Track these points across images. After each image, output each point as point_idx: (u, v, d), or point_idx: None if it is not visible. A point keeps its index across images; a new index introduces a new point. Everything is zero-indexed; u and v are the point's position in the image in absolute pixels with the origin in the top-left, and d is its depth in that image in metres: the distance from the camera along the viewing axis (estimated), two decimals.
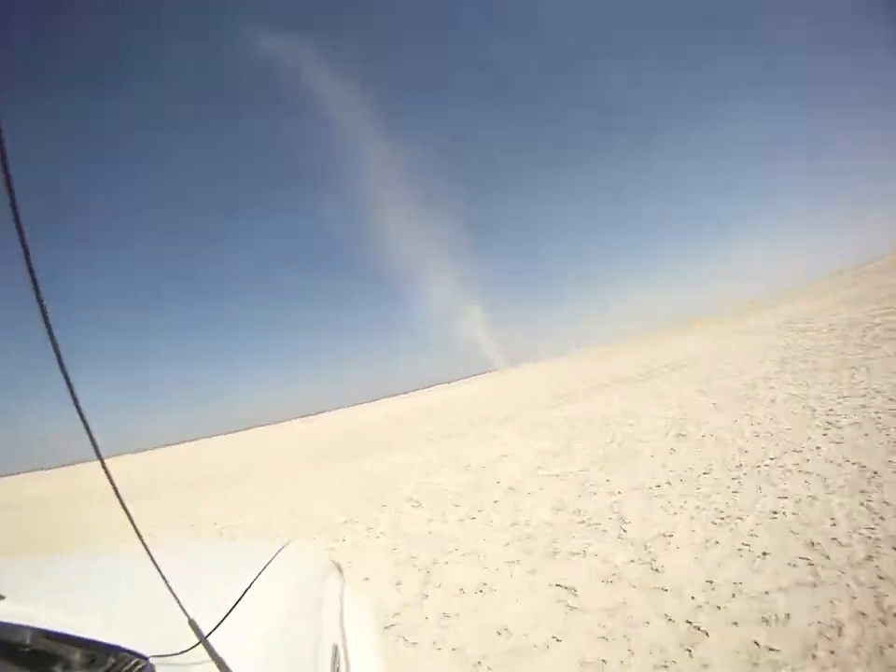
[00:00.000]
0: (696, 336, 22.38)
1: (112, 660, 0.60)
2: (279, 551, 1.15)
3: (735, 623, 2.01)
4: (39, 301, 0.48)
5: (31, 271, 0.47)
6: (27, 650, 0.55)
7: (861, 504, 2.71)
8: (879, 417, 4.05)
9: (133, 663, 0.61)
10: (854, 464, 3.28)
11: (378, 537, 4.17)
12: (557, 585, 2.66)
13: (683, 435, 5.15)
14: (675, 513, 3.24)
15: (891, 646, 1.70)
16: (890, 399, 4.45)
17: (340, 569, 1.41)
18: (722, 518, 3.00)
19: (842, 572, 2.16)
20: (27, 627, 0.57)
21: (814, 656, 1.74)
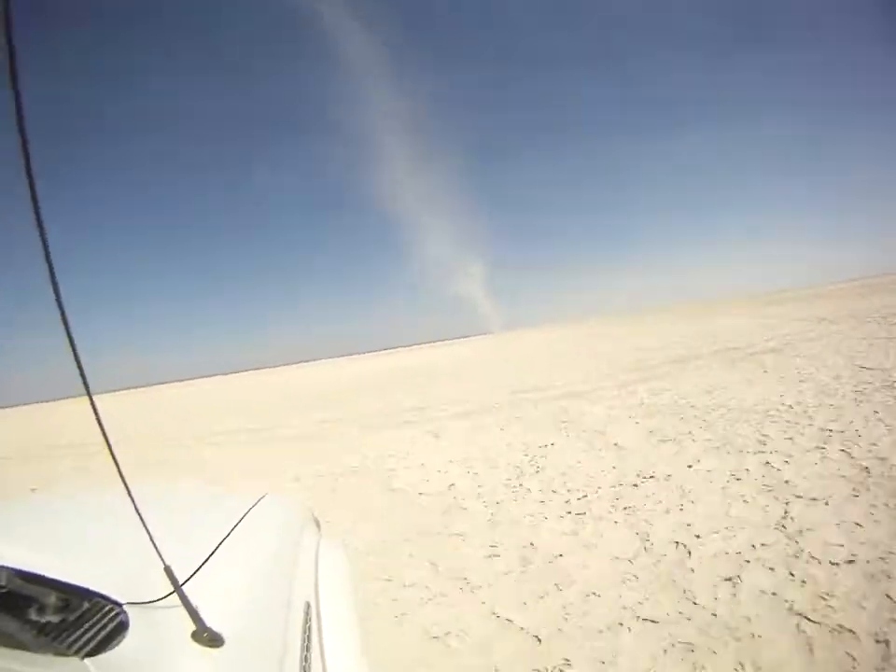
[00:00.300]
0: (734, 318, 20.13)
1: (86, 604, 0.59)
2: (257, 501, 1.16)
3: None
4: (39, 221, 0.48)
5: (33, 196, 0.47)
6: (2, 590, 0.54)
7: None
8: None
9: (107, 609, 0.59)
10: None
11: None
12: None
13: None
14: None
15: None
16: None
17: (318, 523, 1.39)
18: None
19: None
20: (3, 567, 0.56)
21: None
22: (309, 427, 8.65)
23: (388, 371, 24.31)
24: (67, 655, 0.52)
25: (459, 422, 6.83)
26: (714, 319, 22.13)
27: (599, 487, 3.40)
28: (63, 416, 25.01)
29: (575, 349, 17.88)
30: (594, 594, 2.17)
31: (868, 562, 2.11)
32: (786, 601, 1.94)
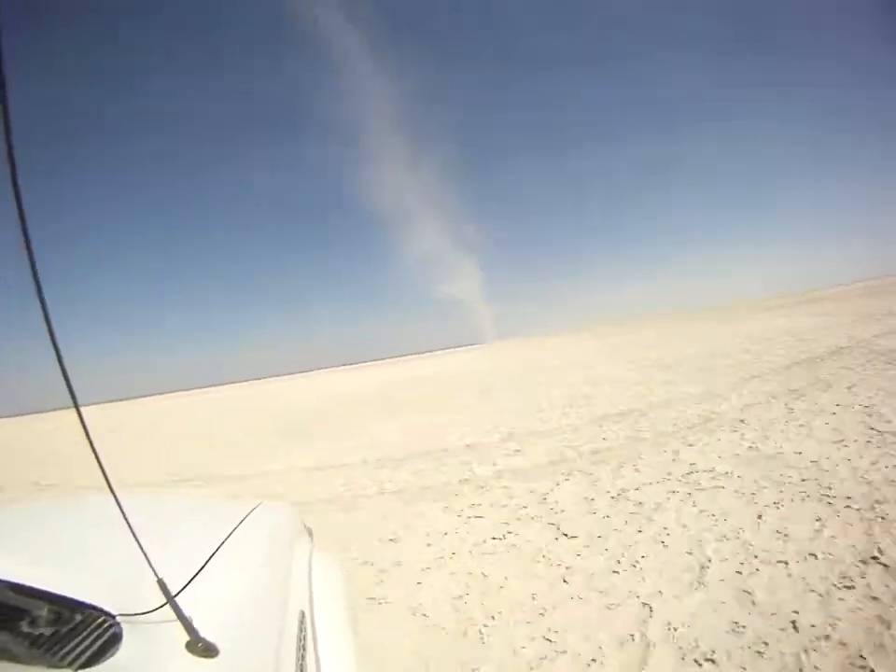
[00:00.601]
0: (781, 319, 18.00)
1: (79, 617, 0.57)
2: (251, 511, 1.13)
3: None
4: (24, 230, 0.46)
5: (18, 200, 0.45)
6: None
7: None
8: None
9: (100, 620, 0.58)
10: None
11: None
12: None
13: None
14: None
15: None
16: None
17: (310, 533, 1.38)
18: None
19: None
20: None
21: None
22: (287, 481, 5.39)
23: (389, 384, 21.01)
24: (60, 668, 0.51)
25: (573, 485, 3.76)
26: (755, 321, 20.01)
27: None
28: (35, 431, 21.74)
29: (626, 353, 15.39)
30: None
31: None
32: None
